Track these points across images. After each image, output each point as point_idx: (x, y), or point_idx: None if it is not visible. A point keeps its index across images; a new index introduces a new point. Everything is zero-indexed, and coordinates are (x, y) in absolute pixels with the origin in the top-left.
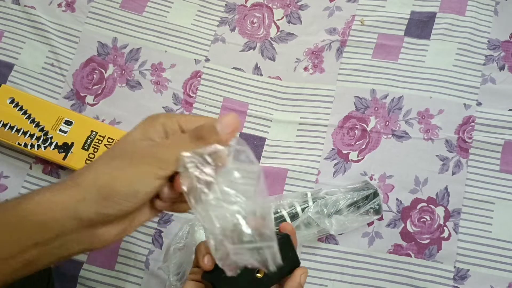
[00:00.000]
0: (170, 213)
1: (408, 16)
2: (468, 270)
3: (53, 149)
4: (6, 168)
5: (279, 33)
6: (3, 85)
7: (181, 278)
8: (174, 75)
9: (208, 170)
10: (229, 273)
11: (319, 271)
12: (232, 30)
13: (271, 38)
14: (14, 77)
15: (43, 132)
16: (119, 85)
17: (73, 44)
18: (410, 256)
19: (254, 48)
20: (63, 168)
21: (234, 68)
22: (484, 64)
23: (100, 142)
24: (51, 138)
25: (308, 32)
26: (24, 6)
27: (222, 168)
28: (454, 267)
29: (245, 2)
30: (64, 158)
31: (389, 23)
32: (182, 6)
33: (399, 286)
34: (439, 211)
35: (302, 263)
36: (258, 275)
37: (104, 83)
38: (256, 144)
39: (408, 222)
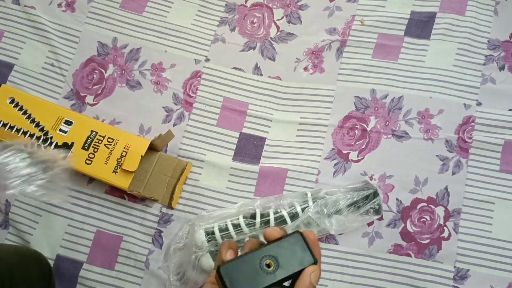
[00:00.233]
0: (170, 213)
1: (408, 16)
2: (468, 270)
3: (53, 149)
4: None
5: (279, 33)
6: (3, 85)
7: (181, 278)
8: (174, 75)
9: None
10: None
11: None
12: (232, 30)
13: (271, 38)
14: (14, 77)
15: (43, 132)
16: (119, 85)
17: (73, 44)
18: (410, 256)
19: (254, 48)
20: None
21: (234, 68)
22: (484, 64)
23: (100, 142)
24: (51, 138)
25: (308, 32)
26: (24, 6)
27: None
28: (454, 267)
29: (245, 2)
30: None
31: (389, 23)
32: (182, 6)
33: (399, 286)
34: (439, 211)
35: None
36: (268, 269)
37: (104, 83)
38: (256, 144)
39: (408, 222)
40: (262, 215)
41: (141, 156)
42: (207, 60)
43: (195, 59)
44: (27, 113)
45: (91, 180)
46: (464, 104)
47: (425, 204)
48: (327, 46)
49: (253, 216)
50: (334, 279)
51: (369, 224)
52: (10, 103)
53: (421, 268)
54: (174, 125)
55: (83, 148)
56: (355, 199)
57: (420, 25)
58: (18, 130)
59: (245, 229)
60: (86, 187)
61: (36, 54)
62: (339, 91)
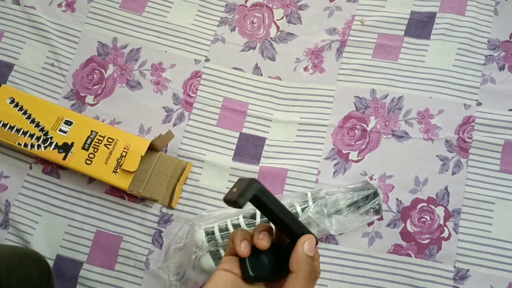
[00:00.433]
0: (170, 213)
1: (408, 16)
2: (468, 270)
3: (53, 149)
4: (6, 168)
5: (279, 33)
6: (3, 85)
7: (181, 278)
8: (174, 75)
9: None
10: None
11: None
12: (232, 30)
13: (271, 38)
14: (14, 77)
15: (43, 132)
16: (119, 85)
17: (73, 44)
18: (410, 256)
19: (254, 48)
20: (63, 168)
21: (234, 68)
22: (484, 64)
23: (100, 142)
24: (51, 138)
25: (308, 32)
26: (24, 6)
27: None
28: (454, 267)
29: (245, 2)
30: (64, 158)
31: (389, 23)
32: (182, 6)
33: (399, 286)
34: (439, 211)
35: None
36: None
37: (104, 83)
38: (256, 144)
39: (408, 222)
40: (262, 215)
41: (141, 156)
42: (207, 60)
43: (195, 59)
44: (27, 113)
45: (91, 180)
46: (464, 104)
47: (425, 204)
48: (327, 46)
49: (253, 216)
50: (334, 279)
51: (369, 224)
52: (10, 103)
53: (421, 268)
54: (174, 125)
55: (83, 148)
56: (355, 199)
57: (420, 25)
58: (18, 130)
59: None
60: (86, 187)
61: (36, 54)
62: (339, 91)
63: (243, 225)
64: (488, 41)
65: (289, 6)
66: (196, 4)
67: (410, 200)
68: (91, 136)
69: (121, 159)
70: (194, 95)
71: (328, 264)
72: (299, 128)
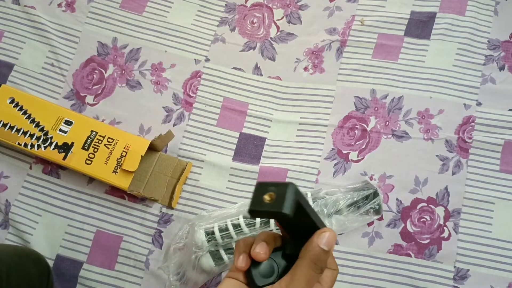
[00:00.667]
0: (170, 213)
1: (408, 16)
2: (468, 270)
3: (53, 149)
4: (6, 168)
5: (279, 33)
6: (3, 85)
7: (181, 278)
8: (174, 75)
9: None
10: None
11: None
12: (232, 30)
13: (271, 38)
14: (14, 77)
15: (43, 132)
16: (119, 85)
17: (73, 44)
18: (410, 256)
19: (254, 48)
20: (63, 168)
21: (234, 68)
22: (484, 64)
23: (100, 142)
24: (51, 138)
25: (308, 32)
26: (24, 6)
27: None
28: (454, 267)
29: (245, 2)
30: (64, 158)
31: (389, 23)
32: (182, 6)
33: (399, 286)
34: (439, 211)
35: None
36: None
37: (104, 83)
38: (256, 144)
39: (408, 222)
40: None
41: (141, 156)
42: (207, 60)
43: (195, 59)
44: (27, 113)
45: (91, 180)
46: (464, 104)
47: (425, 204)
48: (327, 46)
49: None
50: None
51: (369, 224)
52: (10, 103)
53: (421, 268)
54: (174, 125)
55: (83, 148)
56: (355, 199)
57: (420, 25)
58: (18, 130)
59: (245, 229)
60: (86, 187)
61: (36, 54)
62: (339, 91)
63: (243, 225)
64: (488, 41)
65: (289, 6)
66: (196, 4)
67: (410, 200)
68: (91, 136)
69: (121, 159)
70: (194, 95)
71: None
72: (299, 128)
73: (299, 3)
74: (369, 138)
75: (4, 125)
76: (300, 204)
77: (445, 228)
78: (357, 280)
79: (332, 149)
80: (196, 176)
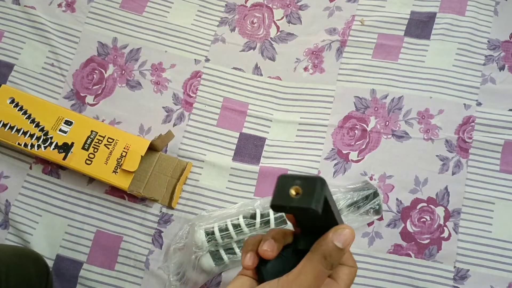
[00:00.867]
0: (170, 213)
1: (408, 16)
2: (468, 270)
3: (53, 149)
4: (6, 168)
5: (279, 33)
6: (3, 85)
7: (181, 278)
8: (174, 75)
9: None
10: None
11: None
12: (232, 30)
13: (271, 38)
14: (14, 77)
15: (43, 132)
16: (119, 85)
17: (73, 44)
18: (410, 256)
19: (254, 48)
20: (63, 168)
21: (234, 68)
22: (484, 64)
23: (100, 142)
24: (51, 138)
25: (308, 32)
26: (24, 6)
27: None
28: (454, 267)
29: (245, 2)
30: (64, 158)
31: (389, 23)
32: (182, 6)
33: (399, 286)
34: (439, 211)
35: None
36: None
37: (104, 83)
38: (256, 144)
39: (408, 222)
40: (262, 215)
41: (141, 156)
42: (207, 60)
43: (195, 59)
44: (27, 113)
45: (91, 180)
46: (464, 104)
47: (425, 204)
48: (327, 46)
49: (253, 216)
50: None
51: (369, 224)
52: (10, 103)
53: (421, 268)
54: (174, 125)
55: (83, 148)
56: (355, 199)
57: (420, 25)
58: (18, 130)
59: (245, 229)
60: (86, 187)
61: (36, 54)
62: (339, 91)
63: (243, 225)
64: (488, 41)
65: (289, 6)
66: (196, 4)
67: (410, 200)
68: (91, 136)
69: (121, 159)
70: (194, 95)
71: None
72: (299, 128)
73: (299, 3)
74: (369, 138)
75: (4, 125)
76: (327, 200)
77: (445, 228)
78: (357, 280)
79: (332, 149)
80: (196, 176)
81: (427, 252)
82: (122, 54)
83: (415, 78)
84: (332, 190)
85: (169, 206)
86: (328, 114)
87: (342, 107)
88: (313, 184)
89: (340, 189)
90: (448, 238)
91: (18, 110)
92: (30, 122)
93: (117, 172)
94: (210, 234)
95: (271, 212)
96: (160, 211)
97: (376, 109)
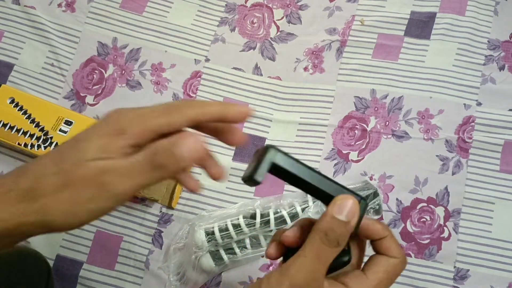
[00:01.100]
0: (170, 213)
1: (408, 16)
2: (468, 270)
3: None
4: (6, 168)
5: (279, 33)
6: (3, 85)
7: (181, 278)
8: (174, 75)
9: None
10: None
11: None
12: (232, 30)
13: (271, 38)
14: (14, 77)
15: (43, 132)
16: (119, 85)
17: (73, 44)
18: (410, 256)
19: (254, 48)
20: None
21: (234, 68)
22: (484, 64)
23: None
24: (51, 138)
25: (308, 32)
26: (24, 6)
27: None
28: (454, 267)
29: (245, 2)
30: None
31: (389, 23)
32: (182, 6)
33: (399, 286)
34: (439, 211)
35: None
36: None
37: (104, 83)
38: (256, 144)
39: (408, 222)
40: (262, 215)
41: None
42: (207, 60)
43: (195, 59)
44: (27, 113)
45: None
46: (464, 104)
47: (425, 204)
48: (327, 46)
49: (253, 216)
50: None
51: None
52: (10, 103)
53: (421, 268)
54: None
55: None
56: None
57: (420, 25)
58: (18, 130)
59: (245, 229)
60: None
61: (36, 54)
62: (339, 91)
63: (243, 225)
64: (488, 41)
65: (289, 6)
66: (196, 4)
67: (410, 200)
68: None
69: None
70: (194, 95)
71: None
72: (299, 128)
73: (299, 3)
74: (369, 138)
75: (4, 125)
76: (280, 168)
77: (445, 228)
78: None
79: (332, 149)
80: (196, 176)
81: (427, 252)
82: (122, 54)
83: (415, 78)
84: None
85: (169, 206)
86: (328, 114)
87: (342, 107)
88: (259, 154)
89: None
90: (448, 238)
91: (18, 110)
92: (30, 122)
93: None
94: (210, 234)
95: (271, 212)
96: (160, 211)
97: (376, 109)
